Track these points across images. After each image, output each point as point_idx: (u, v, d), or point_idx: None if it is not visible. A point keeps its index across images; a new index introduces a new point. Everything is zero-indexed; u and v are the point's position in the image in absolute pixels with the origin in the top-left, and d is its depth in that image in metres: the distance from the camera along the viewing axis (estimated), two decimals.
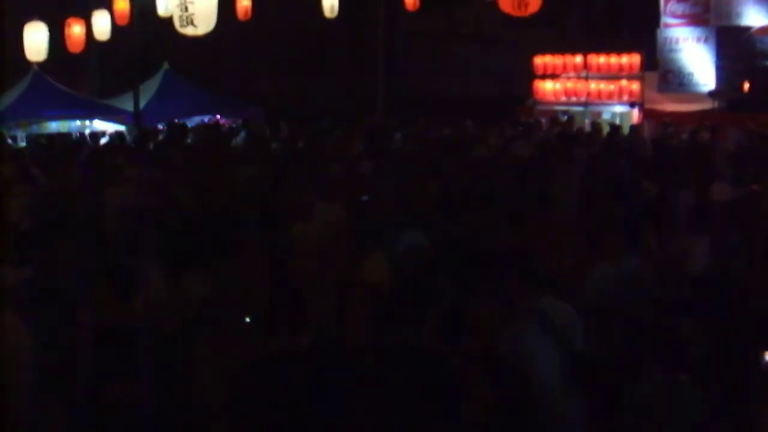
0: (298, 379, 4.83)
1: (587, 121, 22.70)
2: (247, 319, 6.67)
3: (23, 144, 21.03)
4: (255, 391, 4.93)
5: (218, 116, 25.37)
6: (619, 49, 23.80)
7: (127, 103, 23.19)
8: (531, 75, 25.17)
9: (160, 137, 20.46)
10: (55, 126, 23.63)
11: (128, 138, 20.87)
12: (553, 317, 5.48)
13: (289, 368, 4.88)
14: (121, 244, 7.75)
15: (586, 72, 24.04)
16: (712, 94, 22.01)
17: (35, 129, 22.97)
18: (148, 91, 24.12)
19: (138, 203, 9.97)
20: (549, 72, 24.83)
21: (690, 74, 22.80)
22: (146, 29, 21.99)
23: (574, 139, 17.40)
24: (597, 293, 6.72)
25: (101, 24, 22.78)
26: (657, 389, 5.11)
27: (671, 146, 16.36)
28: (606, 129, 20.34)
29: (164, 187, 11.22)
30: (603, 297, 6.67)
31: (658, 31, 23.50)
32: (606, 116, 23.55)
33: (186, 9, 12.86)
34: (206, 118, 24.88)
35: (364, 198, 10.82)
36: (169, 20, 16.83)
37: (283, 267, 7.57)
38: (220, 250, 7.42)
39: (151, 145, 18.36)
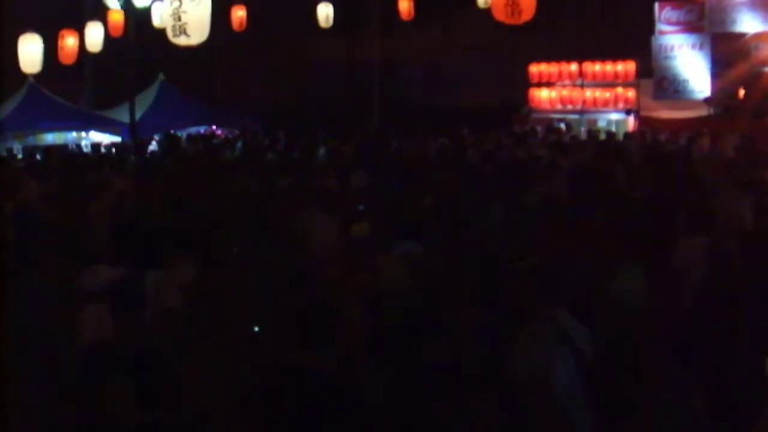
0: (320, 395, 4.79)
1: (583, 129, 22.72)
2: (256, 329, 6.65)
3: (19, 156, 20.98)
4: (273, 403, 4.89)
5: (214, 127, 25.36)
6: (614, 57, 23.83)
7: (123, 115, 23.18)
8: (526, 83, 25.19)
9: (151, 148, 20.47)
10: (51, 138, 23.60)
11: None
12: (568, 330, 5.39)
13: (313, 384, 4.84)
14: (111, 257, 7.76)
15: (581, 80, 24.08)
16: (707, 101, 22.03)
17: (31, 140, 22.94)
18: (144, 102, 24.11)
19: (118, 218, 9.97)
20: (544, 80, 24.87)
21: (685, 81, 22.81)
22: (141, 41, 22.00)
23: (565, 147, 17.36)
24: (618, 312, 6.58)
25: (94, 36, 22.78)
26: (670, 399, 5.08)
27: (664, 152, 16.32)
28: (602, 136, 20.34)
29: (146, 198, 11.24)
30: (625, 316, 6.54)
31: (653, 38, 23.50)
32: (602, 124, 23.57)
33: (179, 18, 12.81)
34: (202, 129, 24.88)
35: (360, 207, 10.82)
36: (164, 31, 16.84)
37: (305, 279, 7.53)
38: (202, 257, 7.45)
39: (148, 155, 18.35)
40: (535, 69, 24.98)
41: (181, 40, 12.95)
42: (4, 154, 20.40)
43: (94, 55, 24.34)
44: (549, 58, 24.95)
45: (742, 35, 22.30)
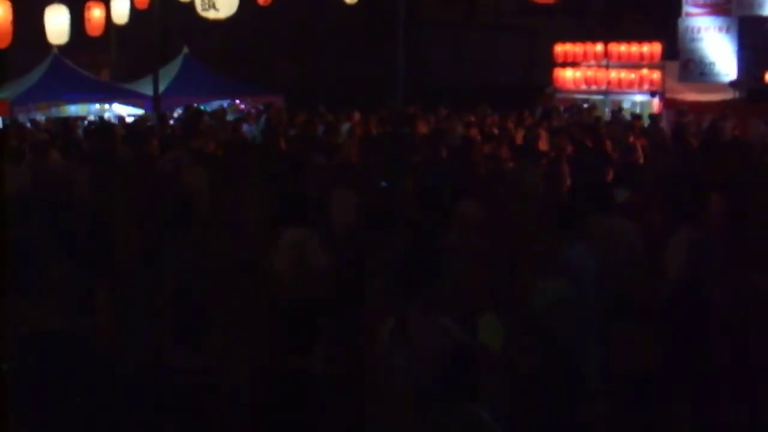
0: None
1: (607, 110, 22.60)
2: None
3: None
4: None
5: (237, 101, 25.38)
6: (640, 38, 23.66)
7: (146, 87, 23.26)
8: (551, 63, 25.07)
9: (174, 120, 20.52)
10: (74, 109, 23.69)
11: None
12: (419, 334, 5.13)
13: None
14: None
15: (606, 60, 23.92)
16: (733, 84, 21.87)
17: (54, 112, 23.03)
18: (167, 75, 24.16)
19: None
20: (569, 60, 24.72)
21: (711, 64, 22.63)
22: (166, 13, 22.04)
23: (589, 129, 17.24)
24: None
25: (120, 7, 22.80)
26: None
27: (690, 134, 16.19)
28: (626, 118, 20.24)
29: None
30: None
31: (680, 20, 23.31)
32: (626, 105, 23.41)
33: None
34: (225, 103, 24.89)
35: (383, 184, 10.82)
36: (188, 5, 16.81)
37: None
38: None
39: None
40: (561, 49, 24.83)
41: (210, 14, 13.00)
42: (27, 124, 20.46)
43: (119, 27, 24.36)
44: (574, 38, 24.81)
45: None
